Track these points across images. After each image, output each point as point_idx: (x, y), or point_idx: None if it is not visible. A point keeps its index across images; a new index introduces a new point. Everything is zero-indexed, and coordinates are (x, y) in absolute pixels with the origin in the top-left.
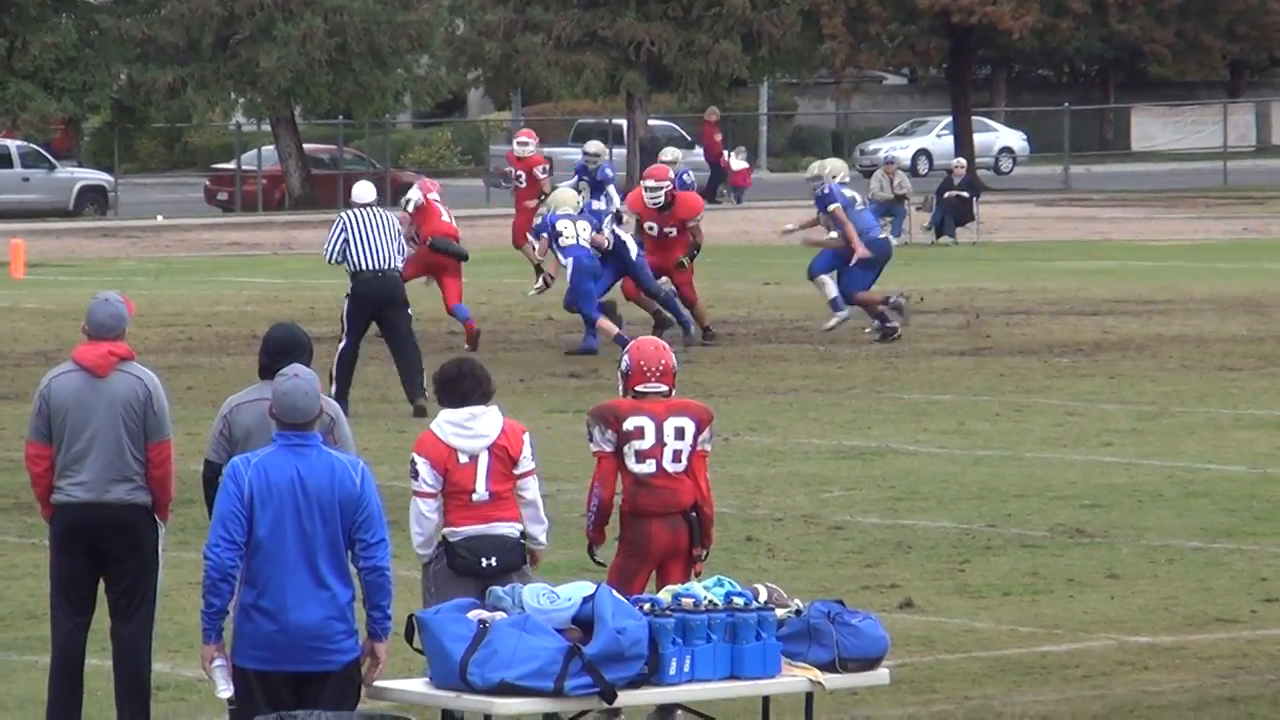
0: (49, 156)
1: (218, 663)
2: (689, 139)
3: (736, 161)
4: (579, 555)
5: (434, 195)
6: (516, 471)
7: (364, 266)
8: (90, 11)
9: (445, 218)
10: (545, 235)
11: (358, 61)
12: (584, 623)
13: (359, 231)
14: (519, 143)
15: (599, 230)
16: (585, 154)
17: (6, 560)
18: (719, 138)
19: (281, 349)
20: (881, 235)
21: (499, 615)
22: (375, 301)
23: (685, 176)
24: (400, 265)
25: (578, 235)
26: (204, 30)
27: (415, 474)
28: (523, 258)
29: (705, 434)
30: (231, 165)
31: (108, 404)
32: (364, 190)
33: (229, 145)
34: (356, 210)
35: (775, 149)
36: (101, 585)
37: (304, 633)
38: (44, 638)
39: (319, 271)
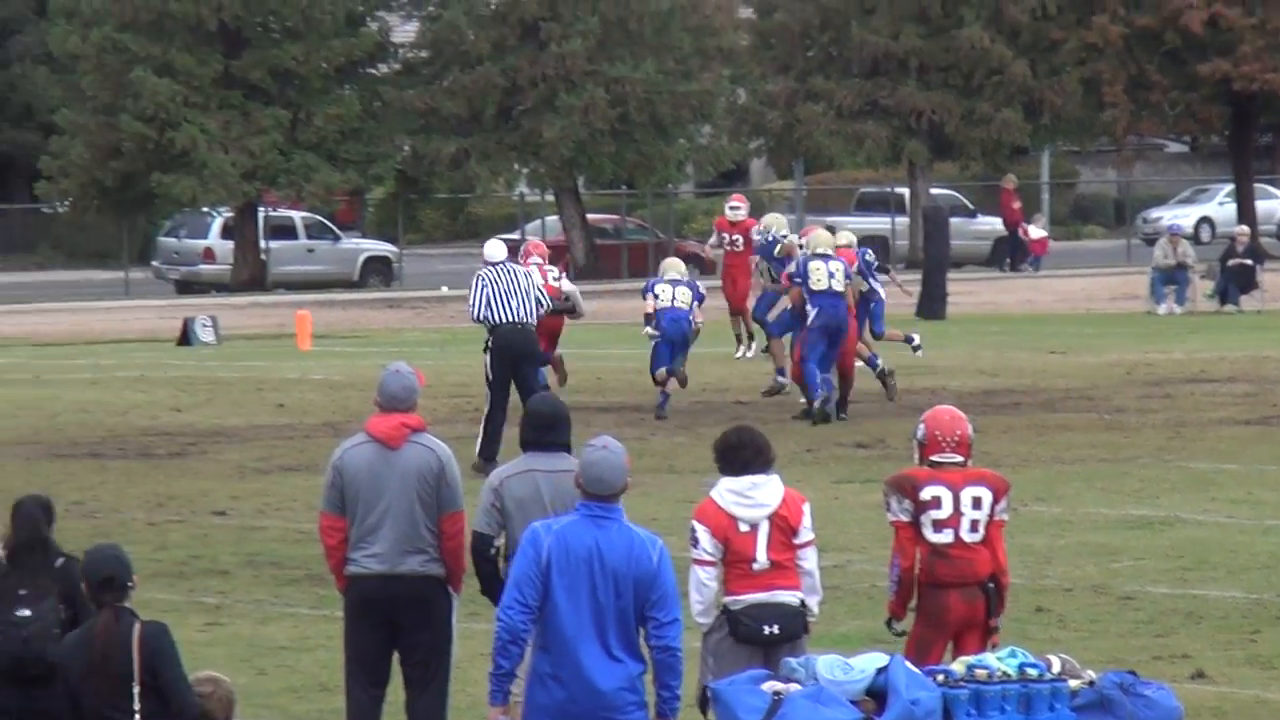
0: (333, 228)
1: None
2: (970, 207)
3: (1035, 230)
4: (869, 625)
5: (536, 259)
6: (796, 541)
7: (502, 320)
8: (374, 83)
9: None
10: (650, 295)
11: (640, 131)
12: (877, 694)
13: (496, 288)
14: (731, 207)
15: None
16: (760, 230)
17: (299, 632)
18: (1017, 205)
19: (547, 423)
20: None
21: (793, 686)
22: (512, 353)
23: (867, 255)
24: (534, 320)
25: (673, 298)
26: (487, 101)
27: (695, 542)
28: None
29: (1002, 504)
30: (515, 235)
31: (401, 476)
32: (495, 249)
33: (512, 215)
34: (492, 268)
35: (1057, 217)
36: (395, 657)
37: (596, 701)
38: (338, 710)
39: (606, 341)
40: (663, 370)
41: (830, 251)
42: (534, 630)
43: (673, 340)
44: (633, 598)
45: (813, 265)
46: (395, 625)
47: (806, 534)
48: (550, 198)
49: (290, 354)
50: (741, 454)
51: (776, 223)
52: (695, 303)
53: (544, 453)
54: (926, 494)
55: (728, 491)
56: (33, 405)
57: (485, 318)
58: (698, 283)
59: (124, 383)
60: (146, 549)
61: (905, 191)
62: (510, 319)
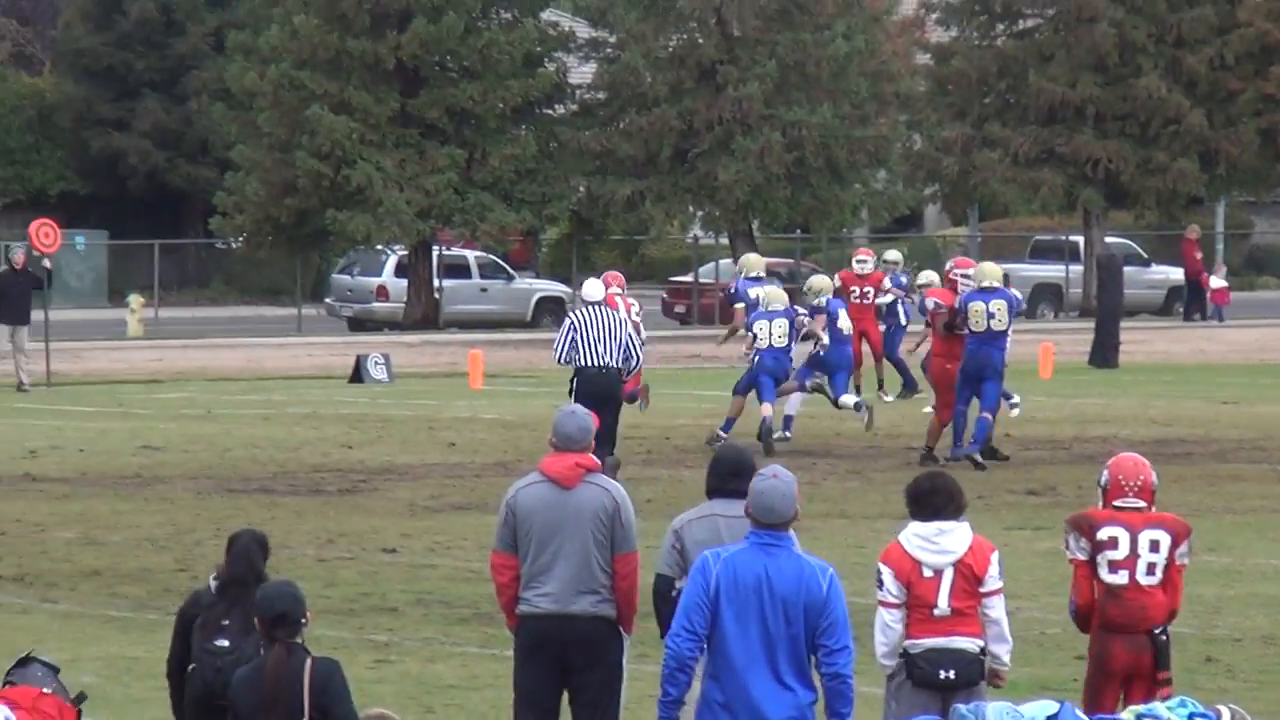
0: (507, 267)
1: None
2: (1145, 256)
3: (1216, 280)
4: (1039, 673)
5: (614, 289)
6: (982, 589)
7: (587, 362)
8: (550, 124)
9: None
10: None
11: (815, 176)
12: None
13: (585, 329)
14: (858, 261)
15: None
16: (886, 261)
17: (467, 671)
18: (1199, 255)
19: (731, 470)
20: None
21: None
22: (595, 395)
23: (902, 279)
24: (620, 364)
25: (771, 335)
26: (663, 143)
27: (880, 583)
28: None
29: (1183, 548)
30: (689, 278)
31: (575, 515)
32: (593, 288)
33: (686, 258)
34: (584, 308)
35: (1232, 268)
36: (564, 697)
37: None
38: None
39: None
40: (767, 404)
41: (996, 284)
42: (704, 658)
43: (775, 376)
44: (803, 625)
45: (973, 306)
46: (566, 665)
47: (993, 582)
48: (724, 241)
49: (462, 393)
50: (933, 500)
51: (749, 264)
52: (791, 330)
53: (727, 499)
54: (1104, 534)
55: (914, 536)
56: (205, 440)
57: (571, 359)
58: (795, 308)
59: (296, 419)
60: (316, 585)
61: (1080, 239)
62: (596, 363)
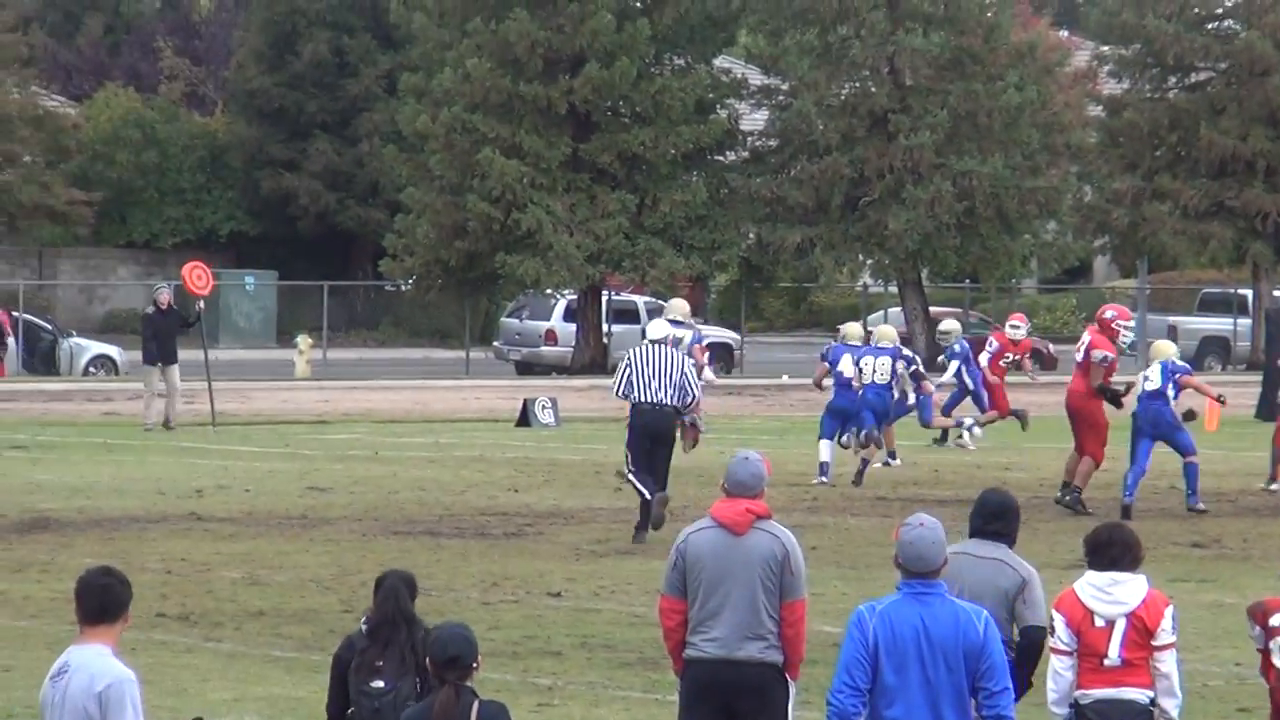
0: None
1: None
2: None
3: None
4: None
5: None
6: (1154, 643)
7: (642, 399)
8: (721, 170)
9: None
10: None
11: (985, 226)
12: None
13: (642, 366)
14: (1012, 326)
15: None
16: (940, 334)
17: (630, 715)
18: None
19: (994, 513)
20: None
21: None
22: (649, 433)
23: (956, 346)
24: (678, 403)
25: (875, 372)
26: (833, 191)
27: (1052, 630)
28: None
29: None
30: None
31: (744, 562)
32: (657, 328)
33: (854, 306)
34: (645, 345)
35: None
36: None
37: None
38: None
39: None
40: (866, 432)
41: (1164, 359)
42: (865, 712)
43: (874, 410)
44: (964, 672)
45: (1138, 377)
46: (731, 711)
47: (1166, 636)
48: (894, 289)
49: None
50: (1110, 551)
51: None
52: (895, 366)
53: (985, 540)
54: (1276, 620)
55: (1089, 585)
56: (371, 482)
57: (626, 394)
58: (900, 346)
59: (462, 462)
60: (480, 628)
61: (1248, 293)
62: (650, 400)
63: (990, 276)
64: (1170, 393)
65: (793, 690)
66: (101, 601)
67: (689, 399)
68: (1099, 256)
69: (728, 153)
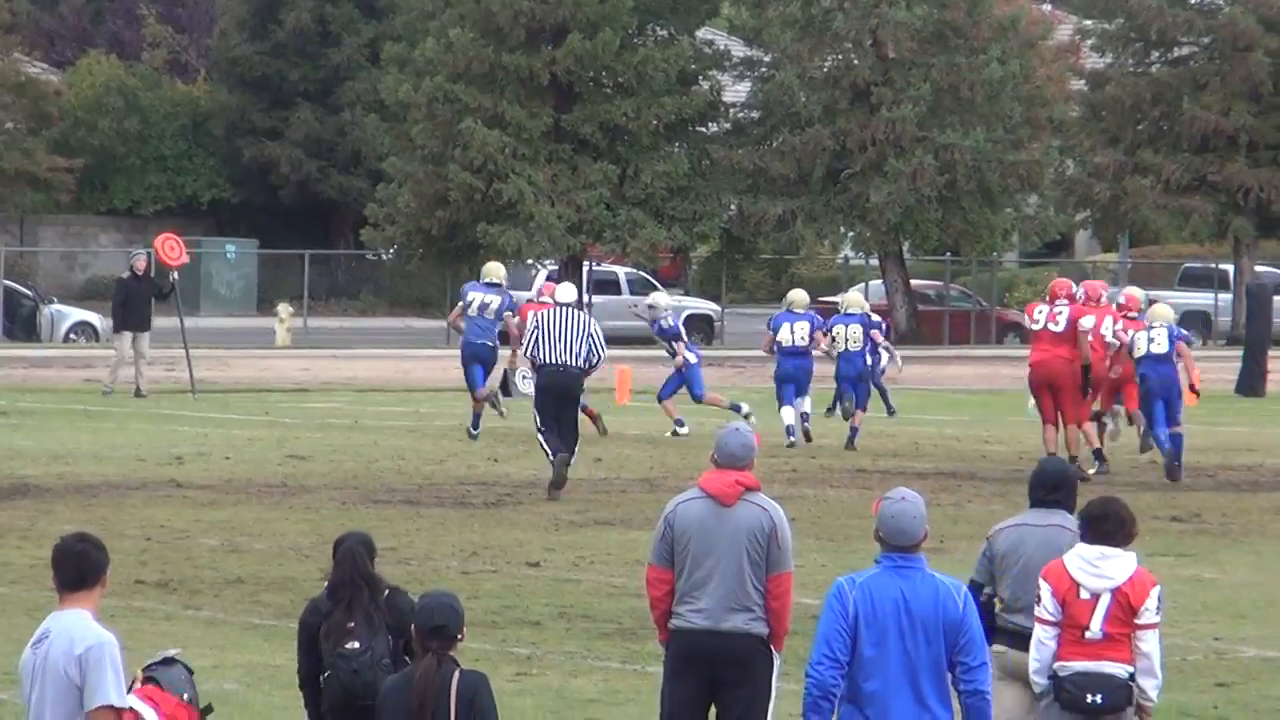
0: (656, 284)
1: None
2: None
3: None
4: (1178, 698)
5: (547, 297)
6: (1137, 621)
7: (546, 360)
8: (703, 141)
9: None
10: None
11: (967, 199)
12: None
13: (547, 328)
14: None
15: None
16: (648, 308)
17: (609, 685)
18: None
19: (1053, 483)
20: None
21: None
22: (553, 394)
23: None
24: (582, 364)
25: (847, 340)
26: (815, 164)
27: (1038, 599)
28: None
29: None
30: (838, 298)
31: (732, 533)
32: (566, 291)
33: (835, 278)
34: (553, 308)
35: None
36: (711, 713)
37: None
38: None
39: (927, 407)
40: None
41: (1167, 322)
42: (844, 684)
43: (849, 378)
44: (943, 645)
45: (1138, 337)
46: (715, 681)
47: (1150, 616)
48: (875, 262)
49: (609, 409)
50: (1104, 525)
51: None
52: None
53: (1044, 509)
54: None
55: (1077, 557)
56: (351, 450)
57: (533, 356)
58: (868, 313)
59: (442, 431)
60: (459, 597)
61: (1230, 268)
62: (554, 360)
63: (971, 250)
64: (1175, 358)
65: (777, 662)
66: (79, 568)
67: (595, 360)
68: (1080, 231)
69: (710, 124)
